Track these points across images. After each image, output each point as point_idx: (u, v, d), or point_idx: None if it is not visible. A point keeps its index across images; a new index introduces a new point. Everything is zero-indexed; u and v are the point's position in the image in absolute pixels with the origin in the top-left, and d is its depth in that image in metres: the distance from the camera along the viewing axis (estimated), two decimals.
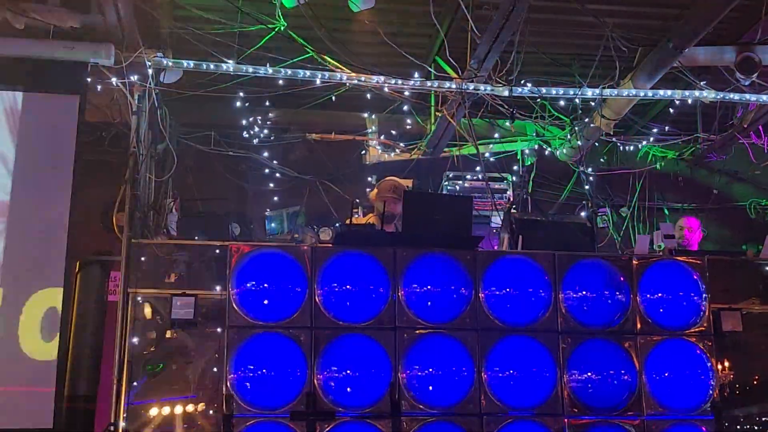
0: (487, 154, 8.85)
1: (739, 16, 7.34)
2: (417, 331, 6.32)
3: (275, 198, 9.52)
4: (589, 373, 6.44)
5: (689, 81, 7.61)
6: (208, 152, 8.98)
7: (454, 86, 7.24)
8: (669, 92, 7.53)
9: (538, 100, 7.70)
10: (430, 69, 7.33)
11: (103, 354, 6.43)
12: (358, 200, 9.35)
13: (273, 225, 9.52)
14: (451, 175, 9.27)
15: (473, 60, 7.01)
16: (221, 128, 9.00)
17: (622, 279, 6.64)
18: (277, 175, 9.42)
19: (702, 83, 7.60)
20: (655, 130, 9.12)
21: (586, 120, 8.05)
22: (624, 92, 7.38)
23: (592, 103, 7.89)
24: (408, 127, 8.86)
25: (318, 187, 9.44)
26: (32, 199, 6.26)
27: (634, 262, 6.73)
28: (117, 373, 6.05)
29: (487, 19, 6.76)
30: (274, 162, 9.32)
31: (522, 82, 7.47)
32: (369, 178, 9.38)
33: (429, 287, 6.38)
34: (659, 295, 6.66)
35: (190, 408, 6.06)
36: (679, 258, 6.90)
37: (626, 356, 6.52)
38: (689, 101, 7.89)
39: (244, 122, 8.88)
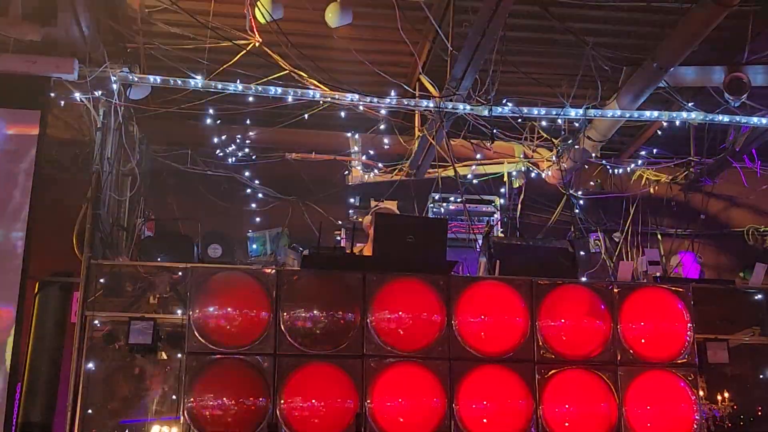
0: (469, 176, 8.60)
1: (728, 36, 7.09)
2: (386, 360, 6.08)
3: (257, 219, 9.29)
4: (567, 406, 6.16)
5: (679, 102, 7.37)
6: (190, 172, 8.80)
7: (431, 105, 7.00)
8: (655, 113, 7.27)
9: (520, 120, 7.44)
10: (407, 88, 7.10)
11: (61, 379, 6.17)
12: (341, 222, 9.13)
13: (255, 246, 9.27)
14: (437, 197, 9.01)
15: (451, 78, 6.78)
16: (201, 147, 8.79)
17: (602, 307, 6.38)
18: (259, 195, 9.20)
19: (690, 104, 7.34)
20: (643, 153, 8.87)
21: (570, 141, 7.80)
22: (608, 113, 7.12)
23: (577, 125, 7.63)
24: (386, 147, 8.63)
25: (301, 208, 9.22)
26: None
27: (615, 289, 6.47)
28: (72, 398, 5.84)
29: (464, 36, 6.54)
30: (256, 182, 9.11)
31: (503, 101, 7.23)
32: (352, 199, 9.15)
33: (400, 313, 6.14)
34: (641, 324, 6.38)
35: None
36: (663, 286, 6.63)
37: (606, 388, 6.24)
38: (677, 123, 7.62)
39: (220, 141, 8.67)
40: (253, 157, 8.94)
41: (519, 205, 9.16)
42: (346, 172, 9.07)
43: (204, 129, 8.34)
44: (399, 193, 8.94)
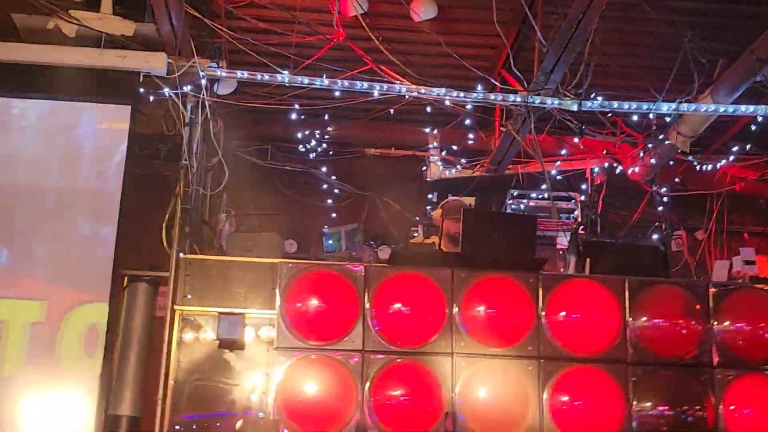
0: (553, 172, 8.43)
1: None
2: (475, 358, 5.98)
3: (333, 214, 9.27)
4: (660, 408, 5.98)
5: None
6: (266, 166, 8.80)
7: (519, 99, 6.86)
8: (751, 108, 7.02)
9: (609, 114, 7.26)
10: (494, 82, 6.97)
11: (149, 372, 6.20)
12: (418, 218, 9.05)
13: (330, 242, 9.29)
14: (515, 194, 8.88)
15: (540, 72, 6.64)
16: (279, 142, 8.80)
17: (698, 307, 6.18)
18: (336, 190, 9.17)
19: None
20: (735, 149, 8.58)
21: (661, 137, 7.58)
22: (702, 107, 6.90)
23: (667, 119, 7.41)
24: (470, 142, 8.51)
25: (377, 204, 9.16)
26: (80, 210, 6.10)
27: (712, 289, 6.25)
28: (162, 392, 5.86)
29: (555, 29, 6.39)
30: (333, 177, 9.07)
31: (592, 95, 7.05)
32: (430, 195, 9.06)
33: (489, 311, 6.03)
34: (739, 325, 6.17)
35: None
36: (760, 286, 6.41)
37: (701, 391, 6.05)
38: None
39: (301, 136, 8.65)
40: (330, 153, 8.92)
41: (600, 202, 8.99)
42: (424, 167, 8.99)
43: (284, 124, 8.33)
44: (476, 189, 8.83)
